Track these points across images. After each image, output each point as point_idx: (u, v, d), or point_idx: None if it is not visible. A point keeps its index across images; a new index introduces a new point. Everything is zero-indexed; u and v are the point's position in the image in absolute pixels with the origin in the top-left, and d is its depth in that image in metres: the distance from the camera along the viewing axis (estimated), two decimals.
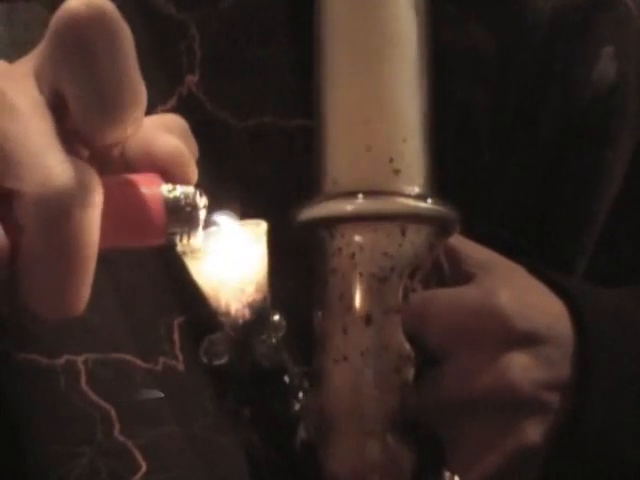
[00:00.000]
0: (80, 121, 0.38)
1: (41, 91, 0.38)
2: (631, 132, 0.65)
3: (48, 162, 0.36)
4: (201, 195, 0.41)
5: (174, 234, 0.41)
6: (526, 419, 0.53)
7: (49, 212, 0.36)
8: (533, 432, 0.53)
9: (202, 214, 0.41)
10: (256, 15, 0.62)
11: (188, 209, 0.40)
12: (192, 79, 0.61)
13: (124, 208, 0.40)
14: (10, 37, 0.59)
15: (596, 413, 0.53)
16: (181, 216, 0.41)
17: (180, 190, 0.41)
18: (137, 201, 0.40)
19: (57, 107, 0.38)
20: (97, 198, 0.37)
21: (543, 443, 0.53)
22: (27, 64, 0.40)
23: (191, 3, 0.61)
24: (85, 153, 0.41)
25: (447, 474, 0.55)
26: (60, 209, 0.36)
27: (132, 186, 0.40)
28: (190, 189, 0.41)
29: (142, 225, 0.40)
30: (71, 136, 0.39)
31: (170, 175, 0.41)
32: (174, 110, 0.60)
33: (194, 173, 0.42)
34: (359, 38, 0.57)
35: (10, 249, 0.37)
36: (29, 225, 0.36)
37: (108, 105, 0.38)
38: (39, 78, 0.39)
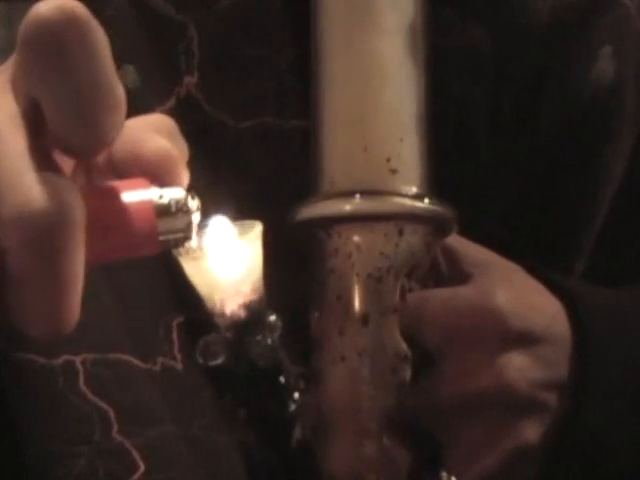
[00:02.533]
0: (57, 129, 0.37)
1: (18, 102, 0.37)
2: (630, 132, 0.65)
3: (25, 182, 0.35)
4: (193, 198, 0.40)
5: (167, 241, 0.40)
6: (523, 419, 0.53)
7: (29, 234, 0.34)
8: (530, 432, 0.53)
9: (195, 217, 0.40)
10: (254, 15, 0.62)
11: (180, 214, 0.39)
12: (190, 80, 0.61)
13: (112, 218, 0.38)
14: (8, 37, 0.59)
15: (593, 413, 0.53)
16: (173, 222, 0.39)
17: (171, 195, 0.39)
18: (126, 210, 0.38)
19: (35, 117, 0.37)
20: (78, 216, 0.35)
21: (540, 443, 0.53)
22: (2, 74, 0.38)
23: (189, 4, 0.61)
24: (69, 162, 0.40)
25: (444, 474, 0.55)
26: (40, 231, 0.34)
27: (119, 195, 0.39)
28: (181, 193, 0.39)
29: (133, 235, 0.39)
30: (52, 147, 0.38)
31: (160, 178, 0.40)
32: (172, 111, 0.59)
33: (185, 175, 0.41)
34: (356, 38, 0.57)
35: None
36: (11, 247, 0.35)
37: (84, 110, 0.36)
38: (15, 88, 0.38)
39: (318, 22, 0.58)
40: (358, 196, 0.55)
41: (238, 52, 0.61)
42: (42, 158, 0.36)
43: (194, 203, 0.40)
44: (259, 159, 0.62)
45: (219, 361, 0.52)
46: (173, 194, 0.39)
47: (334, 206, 0.56)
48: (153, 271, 0.59)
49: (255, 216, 0.51)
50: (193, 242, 0.40)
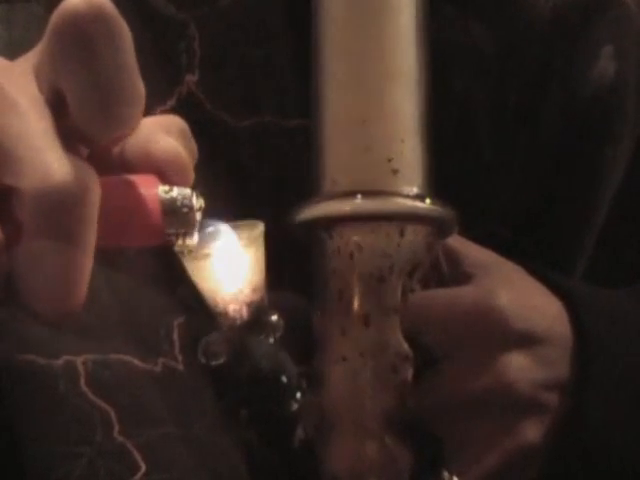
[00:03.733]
0: (79, 118, 0.38)
1: (40, 89, 0.39)
2: (630, 131, 0.65)
3: (47, 158, 0.37)
4: (197, 197, 0.41)
5: (170, 235, 0.41)
6: (524, 419, 0.53)
7: (47, 207, 0.36)
8: (531, 432, 0.53)
9: (198, 215, 0.41)
10: (255, 14, 0.62)
11: (185, 210, 0.41)
12: (191, 79, 0.61)
13: (121, 208, 0.40)
14: (8, 37, 0.59)
15: (594, 413, 0.53)
16: (177, 217, 0.41)
17: (177, 191, 0.41)
18: (134, 201, 0.40)
19: (57, 105, 0.38)
20: (95, 196, 0.37)
21: (541, 443, 0.53)
22: (26, 62, 0.40)
23: (190, 3, 0.61)
24: (84, 152, 0.41)
25: (445, 474, 0.55)
26: (58, 204, 0.36)
27: (129, 186, 0.40)
28: (187, 191, 0.41)
29: (139, 225, 0.40)
30: (70, 135, 0.39)
31: (167, 176, 0.41)
32: (173, 110, 0.60)
33: (191, 175, 0.42)
34: (357, 38, 0.57)
35: (6, 246, 0.37)
36: (27, 221, 0.37)
37: (107, 102, 0.38)
38: (38, 76, 0.39)
39: (319, 21, 0.58)
40: (360, 196, 0.55)
41: (239, 51, 0.61)
42: (63, 140, 0.37)
43: (198, 201, 0.41)
44: (259, 158, 0.62)
45: (221, 361, 0.52)
46: (179, 191, 0.40)
47: (336, 206, 0.56)
48: (154, 271, 0.59)
49: (256, 216, 0.51)
50: (195, 239, 0.41)
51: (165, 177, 0.41)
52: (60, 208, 0.36)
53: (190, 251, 0.47)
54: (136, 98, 0.39)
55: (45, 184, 0.36)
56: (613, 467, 0.53)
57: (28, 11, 0.58)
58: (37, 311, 0.37)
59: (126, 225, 0.40)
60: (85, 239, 0.37)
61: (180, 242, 0.41)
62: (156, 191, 0.40)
